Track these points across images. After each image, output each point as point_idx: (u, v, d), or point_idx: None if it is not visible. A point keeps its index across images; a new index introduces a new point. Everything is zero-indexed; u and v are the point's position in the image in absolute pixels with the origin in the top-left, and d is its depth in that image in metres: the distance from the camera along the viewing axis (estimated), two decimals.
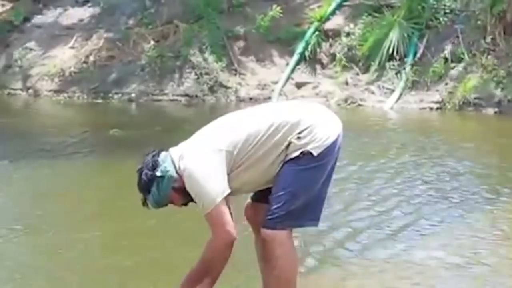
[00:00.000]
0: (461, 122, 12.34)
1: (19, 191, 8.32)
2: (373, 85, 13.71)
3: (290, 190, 4.11)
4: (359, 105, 13.44)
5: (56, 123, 12.96)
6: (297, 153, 4.12)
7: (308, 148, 4.11)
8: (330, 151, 4.17)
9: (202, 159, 4.11)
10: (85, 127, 12.54)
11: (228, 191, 4.10)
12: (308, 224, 4.27)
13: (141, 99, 14.75)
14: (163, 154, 4.23)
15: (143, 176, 4.19)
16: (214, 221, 4.08)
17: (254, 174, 4.17)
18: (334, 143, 4.18)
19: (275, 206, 4.13)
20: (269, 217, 4.14)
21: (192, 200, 4.20)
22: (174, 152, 4.24)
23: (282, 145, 4.13)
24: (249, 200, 4.40)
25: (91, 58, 15.92)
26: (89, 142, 10.92)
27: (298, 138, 4.12)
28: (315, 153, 4.12)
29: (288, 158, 4.14)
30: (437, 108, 12.82)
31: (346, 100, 13.56)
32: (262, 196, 4.29)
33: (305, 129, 4.13)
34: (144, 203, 4.24)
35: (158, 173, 4.17)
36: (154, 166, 4.17)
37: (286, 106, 4.47)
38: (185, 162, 4.14)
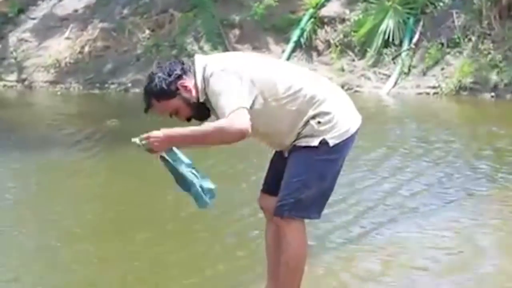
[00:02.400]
0: (460, 107, 12.32)
1: (18, 183, 8.33)
2: (369, 71, 13.71)
3: (302, 179, 4.07)
4: (356, 91, 13.44)
5: (53, 115, 12.95)
6: (315, 142, 4.05)
7: (327, 137, 4.04)
8: (346, 145, 4.11)
9: (230, 71, 4.01)
10: (81, 118, 12.54)
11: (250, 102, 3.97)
12: (312, 217, 4.24)
13: (137, 88, 14.73)
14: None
15: (157, 81, 4.09)
16: (235, 116, 3.88)
17: (266, 128, 4.09)
18: (352, 137, 4.12)
19: (285, 193, 4.09)
20: (278, 203, 4.12)
21: (195, 117, 4.13)
22: (198, 61, 4.13)
23: (301, 116, 4.03)
24: (260, 192, 4.37)
25: (87, 49, 15.91)
26: (86, 133, 10.91)
27: (319, 122, 4.04)
28: (331, 143, 4.05)
29: (304, 144, 4.07)
30: (434, 93, 12.81)
31: (342, 87, 13.51)
32: (273, 188, 4.25)
33: (326, 114, 4.05)
34: (147, 109, 4.17)
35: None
36: (170, 73, 4.10)
37: (316, 77, 4.30)
38: (212, 67, 4.03)
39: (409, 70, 13.40)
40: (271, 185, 4.28)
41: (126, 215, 6.76)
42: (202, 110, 4.11)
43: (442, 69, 13.06)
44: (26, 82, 15.93)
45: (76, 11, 16.95)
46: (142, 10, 16.16)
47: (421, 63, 13.32)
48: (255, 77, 4.03)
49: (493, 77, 12.49)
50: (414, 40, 13.66)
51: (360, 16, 14.28)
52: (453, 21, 13.50)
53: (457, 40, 13.24)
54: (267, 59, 4.36)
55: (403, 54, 13.52)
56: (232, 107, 3.89)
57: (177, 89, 4.09)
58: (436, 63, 13.19)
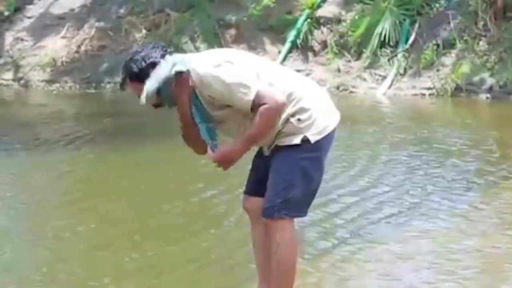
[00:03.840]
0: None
1: (16, 182, 8.32)
2: (365, 72, 13.72)
3: (288, 179, 4.10)
4: (351, 92, 13.46)
5: (49, 114, 12.94)
6: (297, 141, 4.09)
7: (308, 134, 4.08)
8: (327, 141, 4.15)
9: (225, 63, 4.08)
10: (77, 117, 12.53)
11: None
12: (300, 215, 4.25)
13: None
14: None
15: (133, 62, 4.13)
16: (263, 97, 4.00)
17: (246, 125, 4.12)
18: (331, 133, 4.16)
19: (272, 193, 4.12)
20: (267, 205, 4.14)
21: (162, 105, 4.17)
22: (174, 61, 4.16)
23: (280, 113, 4.06)
24: (244, 194, 4.38)
25: (83, 48, 15.91)
26: (82, 131, 10.90)
27: (299, 120, 4.08)
28: (312, 140, 4.08)
29: (286, 143, 4.10)
30: (430, 95, 12.83)
31: (338, 87, 13.57)
32: (256, 189, 4.28)
33: (306, 111, 4.09)
34: (122, 85, 4.24)
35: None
36: (146, 59, 4.12)
37: (294, 74, 4.36)
38: (204, 67, 4.07)
39: (405, 71, 13.42)
40: (254, 186, 4.30)
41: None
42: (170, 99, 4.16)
43: (438, 70, 13.08)
44: (22, 81, 15.93)
45: (72, 10, 16.93)
46: (139, 9, 16.16)
47: (416, 64, 13.33)
48: (243, 68, 4.08)
49: (488, 78, 12.51)
50: (410, 41, 13.68)
51: (356, 17, 14.29)
52: (449, 23, 13.53)
53: (453, 42, 13.27)
54: (246, 56, 4.36)
55: (399, 55, 13.54)
56: (251, 93, 4.00)
57: (149, 75, 4.11)
58: (432, 64, 13.21)
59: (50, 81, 15.70)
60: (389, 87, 13.26)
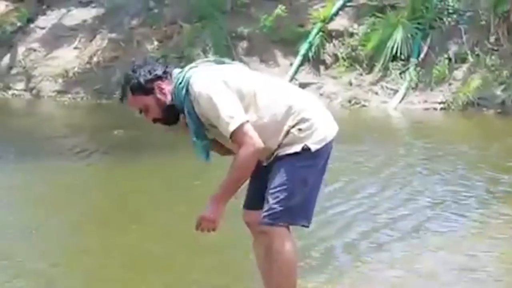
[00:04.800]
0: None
1: (23, 194, 8.31)
2: (377, 86, 13.71)
3: (288, 187, 4.13)
4: (363, 105, 13.44)
5: (60, 125, 12.99)
6: (298, 149, 4.14)
7: (308, 142, 4.13)
8: (326, 150, 4.21)
9: (219, 84, 4.11)
10: (88, 127, 12.55)
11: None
12: (301, 223, 4.28)
13: None
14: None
15: (137, 75, 4.24)
16: (243, 135, 4.04)
17: None
18: (330, 142, 4.22)
19: (273, 202, 4.15)
20: (267, 213, 4.17)
21: (163, 120, 4.22)
22: (179, 77, 4.23)
23: (281, 126, 4.13)
24: (243, 208, 4.40)
25: (95, 59, 15.94)
26: (92, 143, 10.93)
27: (299, 130, 4.14)
28: (313, 149, 4.14)
29: (287, 151, 4.15)
30: (441, 109, 12.81)
31: (349, 101, 13.56)
32: (256, 203, 4.28)
33: (306, 121, 4.14)
34: (122, 98, 4.35)
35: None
36: (151, 72, 4.24)
37: (293, 88, 4.47)
38: (199, 84, 4.12)
39: (417, 85, 13.40)
40: (253, 200, 4.33)
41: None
42: (171, 114, 4.22)
43: (450, 84, 13.07)
44: (34, 91, 15.96)
45: (85, 21, 16.98)
46: (151, 21, 16.20)
47: (428, 78, 13.31)
48: (239, 88, 4.13)
49: (500, 93, 12.49)
50: (422, 55, 13.66)
51: (368, 30, 14.29)
52: (461, 37, 13.52)
53: (465, 56, 13.25)
54: (244, 71, 4.41)
55: (411, 69, 13.53)
56: (235, 123, 4.02)
57: (153, 88, 4.21)
58: (444, 78, 13.19)
59: (61, 92, 15.73)
60: (401, 101, 13.24)
